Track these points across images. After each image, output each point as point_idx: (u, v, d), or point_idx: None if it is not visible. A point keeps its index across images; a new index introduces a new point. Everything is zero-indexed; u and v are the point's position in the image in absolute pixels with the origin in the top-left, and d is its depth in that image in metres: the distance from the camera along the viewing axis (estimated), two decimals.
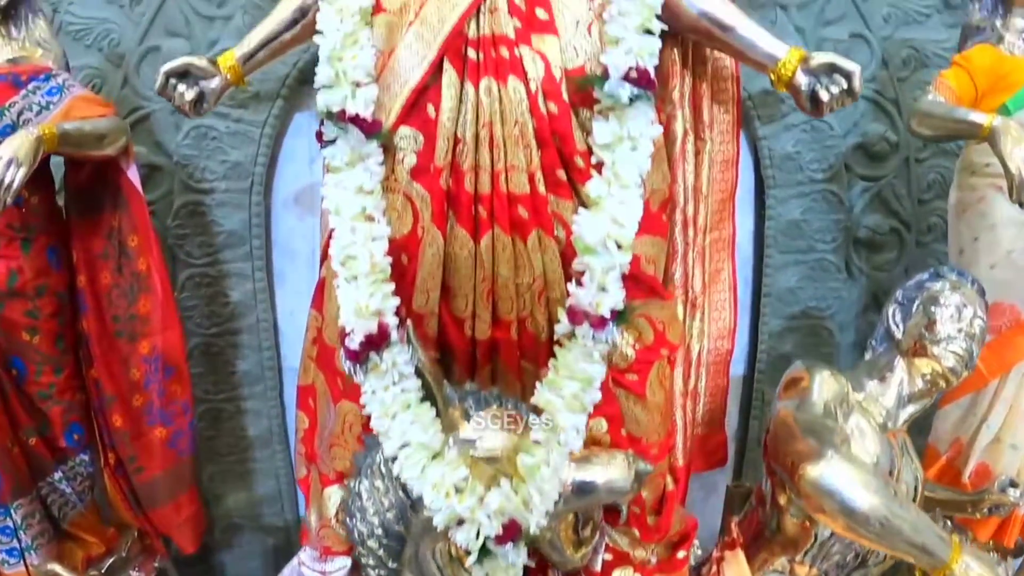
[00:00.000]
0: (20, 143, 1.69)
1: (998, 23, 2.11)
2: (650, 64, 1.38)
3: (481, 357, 1.48)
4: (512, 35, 1.39)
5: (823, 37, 2.28)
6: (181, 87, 1.62)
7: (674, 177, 1.65)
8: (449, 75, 1.39)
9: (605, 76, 1.38)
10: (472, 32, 1.40)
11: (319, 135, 1.46)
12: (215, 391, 2.32)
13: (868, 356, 1.87)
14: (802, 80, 1.49)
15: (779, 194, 2.25)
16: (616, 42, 1.38)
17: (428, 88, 1.40)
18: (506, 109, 1.38)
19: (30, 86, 1.91)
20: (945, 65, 2.43)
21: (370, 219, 1.41)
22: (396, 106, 1.41)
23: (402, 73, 1.41)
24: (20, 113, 1.88)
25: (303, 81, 2.12)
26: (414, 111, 1.40)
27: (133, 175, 2.00)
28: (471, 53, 1.39)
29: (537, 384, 1.44)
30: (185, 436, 2.10)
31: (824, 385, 1.67)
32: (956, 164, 2.15)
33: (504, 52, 1.39)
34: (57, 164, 2.01)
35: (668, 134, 1.64)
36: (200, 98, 1.64)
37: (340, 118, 1.40)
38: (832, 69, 1.47)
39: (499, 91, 1.39)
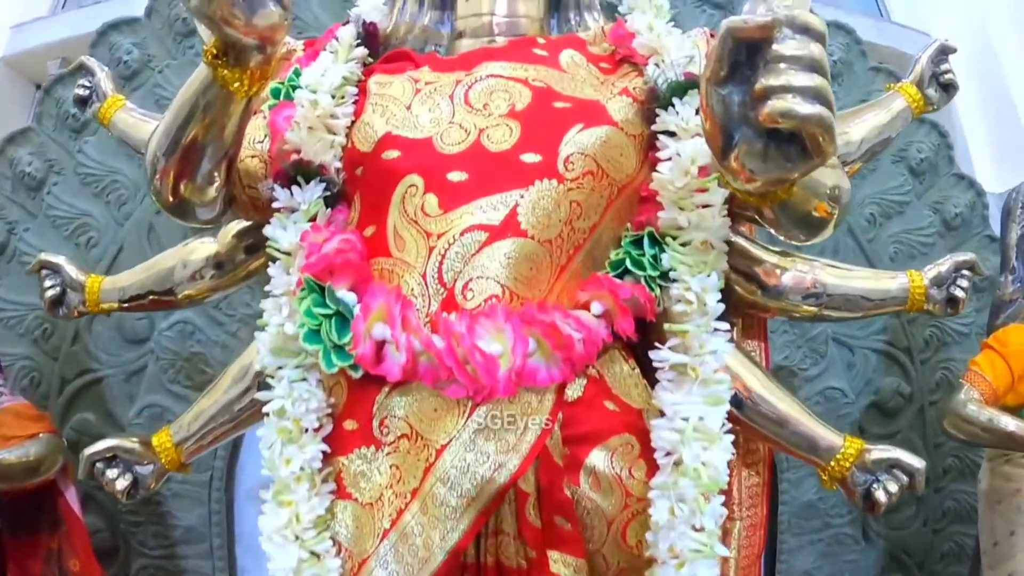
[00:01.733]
0: None
1: None
2: None
3: None
4: (524, 564, 1.07)
5: None
6: (110, 473, 1.29)
7: None
8: None
9: None
10: (470, 556, 1.07)
11: None
12: None
13: None
14: (857, 479, 1.26)
15: (792, 476, 2.06)
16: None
17: None
18: None
19: None
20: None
21: None
22: None
23: None
24: None
25: None
26: None
27: (72, 497, 1.81)
28: None
29: None
30: None
31: None
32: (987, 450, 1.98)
33: None
34: None
35: None
36: (135, 485, 1.30)
37: None
38: (893, 466, 1.25)
39: None
